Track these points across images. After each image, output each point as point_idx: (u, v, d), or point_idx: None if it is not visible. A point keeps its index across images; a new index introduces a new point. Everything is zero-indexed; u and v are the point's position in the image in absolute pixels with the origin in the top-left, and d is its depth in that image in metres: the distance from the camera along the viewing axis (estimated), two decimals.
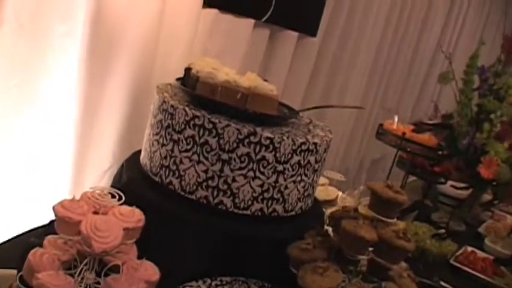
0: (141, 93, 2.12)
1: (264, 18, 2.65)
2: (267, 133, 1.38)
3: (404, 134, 2.50)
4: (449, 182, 2.84)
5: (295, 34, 2.89)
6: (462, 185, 2.76)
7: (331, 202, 1.96)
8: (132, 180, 1.54)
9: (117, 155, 2.15)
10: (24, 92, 1.91)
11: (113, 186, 1.66)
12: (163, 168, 1.46)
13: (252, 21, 2.61)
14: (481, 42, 2.79)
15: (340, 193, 2.09)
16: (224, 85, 1.43)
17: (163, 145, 1.46)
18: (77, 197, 1.34)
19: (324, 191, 1.96)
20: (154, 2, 2.07)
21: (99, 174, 2.16)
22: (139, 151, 1.69)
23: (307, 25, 2.94)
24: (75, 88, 2.00)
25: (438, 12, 4.35)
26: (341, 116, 3.48)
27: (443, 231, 2.46)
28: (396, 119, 2.66)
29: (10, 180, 1.94)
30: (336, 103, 3.39)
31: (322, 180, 2.05)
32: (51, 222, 1.34)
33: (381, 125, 2.70)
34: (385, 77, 4.01)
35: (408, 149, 2.55)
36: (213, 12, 2.40)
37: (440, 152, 2.63)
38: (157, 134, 1.49)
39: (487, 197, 2.98)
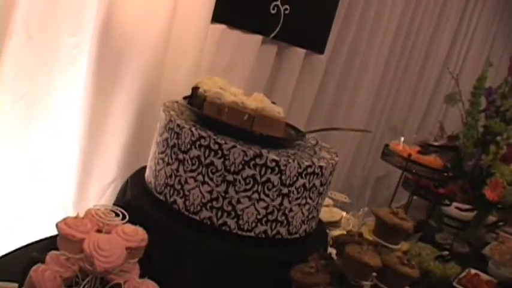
0: (147, 106, 2.13)
1: (272, 35, 2.66)
2: (272, 155, 1.37)
3: (410, 155, 2.49)
4: (454, 204, 2.83)
5: (302, 51, 2.89)
6: (467, 206, 2.75)
7: (335, 223, 1.95)
8: (136, 198, 1.54)
9: (122, 168, 2.15)
10: (31, 102, 1.92)
11: (116, 202, 1.66)
12: (168, 187, 1.46)
13: (259, 37, 2.61)
14: (488, 63, 2.78)
15: (344, 213, 2.08)
16: (231, 106, 1.42)
17: (168, 164, 1.46)
18: (81, 214, 1.34)
19: (328, 212, 1.95)
20: (164, 16, 2.08)
21: (103, 186, 2.16)
22: (144, 167, 1.68)
23: (315, 42, 2.94)
24: (82, 100, 2.01)
25: (445, 31, 4.35)
26: (347, 132, 3.47)
27: (447, 252, 2.44)
28: (402, 139, 2.65)
29: (15, 189, 1.95)
30: (343, 120, 3.39)
31: (326, 201, 2.05)
32: (54, 236, 1.34)
33: (387, 145, 2.70)
34: (391, 95, 4.00)
35: (414, 171, 2.55)
36: (221, 27, 2.41)
37: (445, 174, 2.62)
38: (162, 152, 1.48)
39: (491, 218, 2.97)
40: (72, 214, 2.06)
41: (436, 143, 2.67)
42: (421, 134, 3.63)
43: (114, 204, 1.67)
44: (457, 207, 2.81)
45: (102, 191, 2.16)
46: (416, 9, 3.82)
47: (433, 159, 2.58)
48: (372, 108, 3.79)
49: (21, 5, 1.76)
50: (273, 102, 1.55)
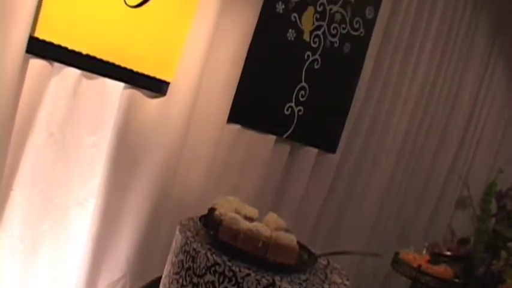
0: (161, 204, 2.17)
1: (285, 135, 2.72)
2: (285, 284, 1.39)
3: (420, 266, 2.49)
4: None
5: (315, 150, 2.95)
6: None
7: None
8: None
9: (132, 264, 2.17)
10: (47, 198, 1.98)
11: None
12: None
13: (273, 137, 2.68)
14: (499, 170, 2.82)
15: None
16: (246, 233, 1.45)
17: (182, 286, 1.48)
18: None
19: None
20: (181, 116, 2.15)
21: (112, 282, 2.17)
22: (157, 279, 1.69)
23: (328, 142, 3.00)
24: (97, 195, 2.06)
25: (454, 134, 4.37)
26: (356, 227, 3.47)
27: None
28: (412, 249, 2.66)
29: (28, 279, 1.96)
30: (352, 216, 3.39)
31: None
32: None
33: (397, 253, 2.70)
34: (400, 194, 3.98)
35: (423, 281, 2.54)
36: (236, 127, 2.47)
37: (456, 281, 2.60)
38: (177, 273, 1.50)
39: None
40: None
41: (446, 253, 2.68)
42: (430, 235, 3.62)
43: None
44: None
45: (111, 287, 2.16)
46: (426, 111, 3.89)
47: (443, 269, 2.57)
48: (381, 206, 3.77)
49: (45, 104, 1.84)
50: (287, 230, 1.57)
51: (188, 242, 1.48)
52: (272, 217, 1.57)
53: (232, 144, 2.49)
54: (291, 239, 1.49)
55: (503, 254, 2.64)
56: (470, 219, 2.80)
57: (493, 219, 2.83)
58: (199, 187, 2.33)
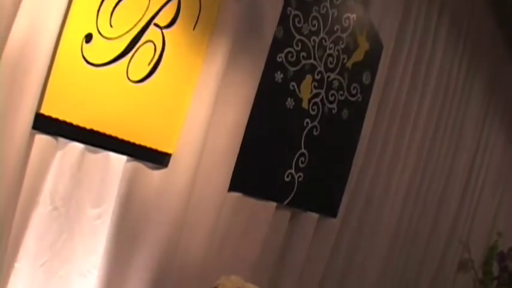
0: (163, 275, 2.16)
1: (286, 202, 2.73)
2: None
3: None
4: None
5: (315, 215, 2.96)
6: None
7: None
8: None
9: None
10: (50, 271, 1.96)
11: None
12: None
13: (274, 203, 2.69)
14: (498, 234, 2.83)
15: None
16: None
17: None
18: None
19: None
20: (182, 186, 2.17)
21: None
22: None
23: (328, 207, 3.02)
24: (100, 267, 2.05)
25: (452, 197, 4.39)
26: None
27: None
28: None
29: None
30: (355, 281, 3.37)
31: None
32: None
33: None
34: (402, 257, 3.95)
35: None
36: (237, 195, 2.49)
37: None
38: None
39: None
40: None
41: None
42: None
43: None
44: None
45: None
46: (424, 174, 3.92)
47: None
48: (383, 270, 3.73)
49: (50, 178, 1.86)
50: None
51: None
52: None
53: (233, 213, 2.49)
54: None
55: None
56: (473, 282, 2.79)
57: (495, 282, 2.82)
58: (201, 257, 2.33)
